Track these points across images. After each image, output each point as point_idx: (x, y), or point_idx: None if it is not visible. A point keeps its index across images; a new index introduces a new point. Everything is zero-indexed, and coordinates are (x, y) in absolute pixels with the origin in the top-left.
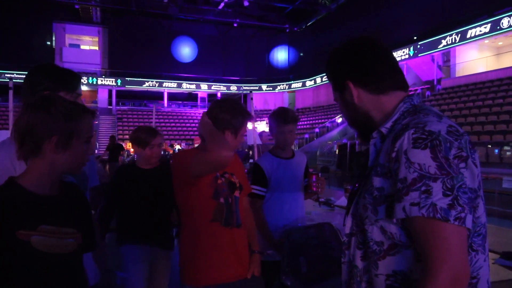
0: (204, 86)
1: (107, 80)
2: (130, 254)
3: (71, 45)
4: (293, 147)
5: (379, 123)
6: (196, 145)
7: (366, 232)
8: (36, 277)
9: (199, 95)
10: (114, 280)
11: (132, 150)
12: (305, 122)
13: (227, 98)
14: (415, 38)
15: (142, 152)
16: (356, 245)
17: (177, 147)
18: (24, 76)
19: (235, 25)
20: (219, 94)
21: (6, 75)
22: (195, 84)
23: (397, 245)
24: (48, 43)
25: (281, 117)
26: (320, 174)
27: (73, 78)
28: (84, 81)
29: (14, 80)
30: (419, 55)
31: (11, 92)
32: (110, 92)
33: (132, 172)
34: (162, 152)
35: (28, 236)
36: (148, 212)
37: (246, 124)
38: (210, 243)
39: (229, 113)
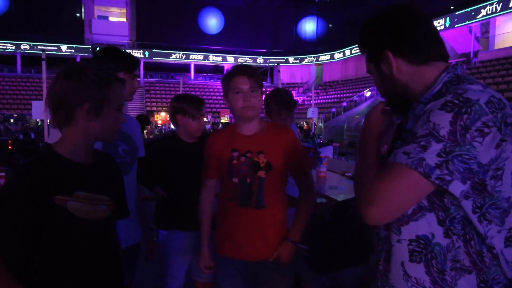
0: (230, 58)
1: (135, 52)
2: (173, 242)
3: (99, 17)
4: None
5: (418, 96)
6: (222, 120)
7: None
8: (71, 241)
9: (225, 67)
10: (156, 237)
11: (159, 121)
12: (332, 96)
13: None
14: (452, 7)
15: (188, 124)
16: None
17: (204, 119)
18: (91, 57)
19: None
20: None
21: (38, 47)
22: (221, 56)
23: (421, 209)
24: (78, 15)
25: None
26: (317, 148)
27: (132, 61)
28: None
29: (46, 52)
30: (456, 26)
31: (44, 64)
32: None
33: (176, 146)
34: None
35: (64, 202)
36: (194, 192)
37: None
38: (227, 219)
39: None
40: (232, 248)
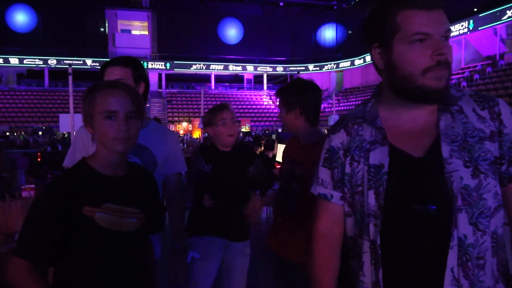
0: (250, 67)
1: (156, 64)
2: (199, 247)
3: (122, 31)
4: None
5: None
6: (242, 128)
7: (482, 201)
8: (99, 251)
9: (245, 76)
10: (186, 258)
11: (181, 131)
12: (354, 103)
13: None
14: (475, 10)
15: (212, 131)
16: (468, 221)
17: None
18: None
19: (281, 4)
20: (265, 76)
21: (65, 61)
22: (241, 66)
23: (499, 206)
24: (102, 29)
25: None
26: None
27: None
28: None
29: (72, 67)
30: (480, 28)
31: (70, 78)
32: (159, 75)
33: (209, 154)
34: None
35: (92, 213)
36: (222, 199)
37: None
38: (275, 220)
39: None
40: (272, 243)
